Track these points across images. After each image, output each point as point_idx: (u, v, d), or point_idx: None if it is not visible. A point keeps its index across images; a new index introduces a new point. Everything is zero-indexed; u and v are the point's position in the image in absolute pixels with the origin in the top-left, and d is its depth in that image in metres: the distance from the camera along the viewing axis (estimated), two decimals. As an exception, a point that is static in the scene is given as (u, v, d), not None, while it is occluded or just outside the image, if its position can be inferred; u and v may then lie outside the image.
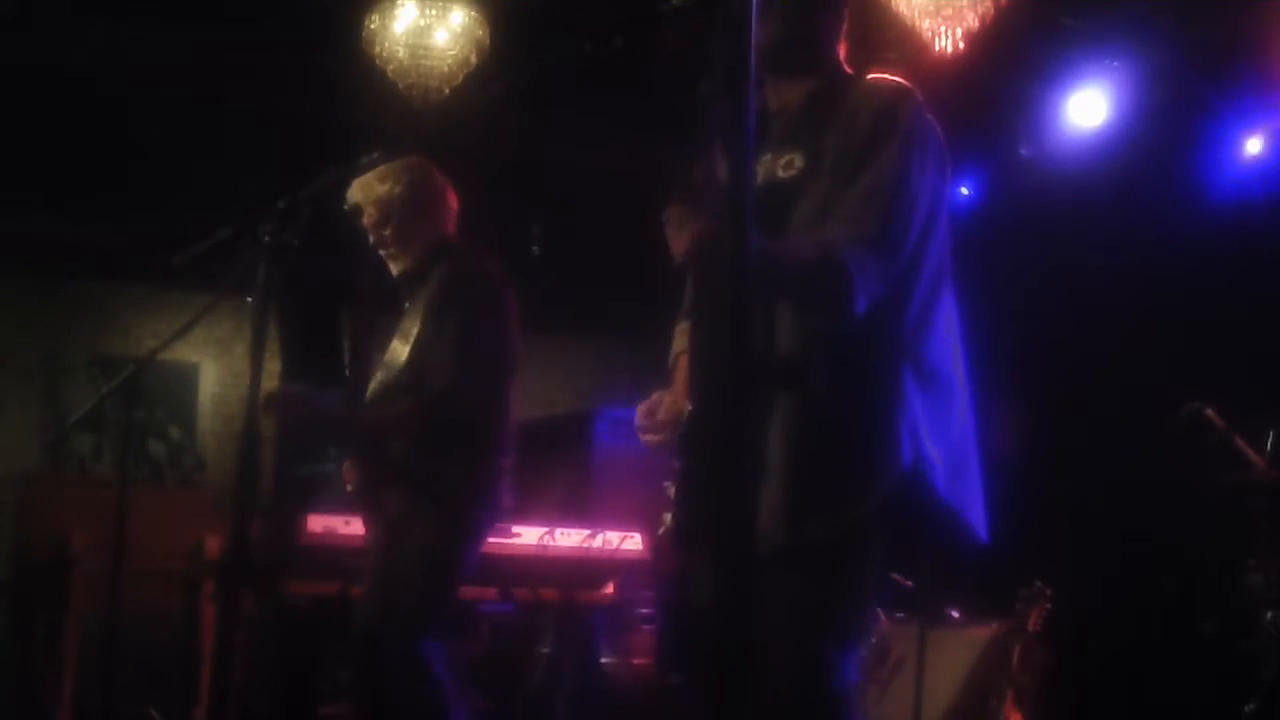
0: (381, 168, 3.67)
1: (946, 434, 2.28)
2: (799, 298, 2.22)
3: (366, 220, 3.75)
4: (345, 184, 3.65)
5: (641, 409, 2.43)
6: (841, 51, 2.47)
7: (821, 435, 2.21)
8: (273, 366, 6.58)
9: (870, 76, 2.40)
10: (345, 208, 3.73)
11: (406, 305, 3.77)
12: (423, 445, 3.61)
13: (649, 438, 2.40)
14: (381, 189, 3.71)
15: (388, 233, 3.74)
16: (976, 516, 2.33)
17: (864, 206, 2.21)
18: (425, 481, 3.58)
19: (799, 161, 2.30)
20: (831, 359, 2.23)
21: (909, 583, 5.01)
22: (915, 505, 2.24)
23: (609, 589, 5.00)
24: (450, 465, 3.59)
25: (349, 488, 3.77)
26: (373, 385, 3.77)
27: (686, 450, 2.31)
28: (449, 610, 3.67)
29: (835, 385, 2.22)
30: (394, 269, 3.80)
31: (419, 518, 3.56)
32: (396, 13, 5.04)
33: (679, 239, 2.21)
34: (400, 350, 3.69)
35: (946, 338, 2.33)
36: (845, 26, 2.48)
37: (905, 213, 2.23)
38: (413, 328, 3.68)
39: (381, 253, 3.79)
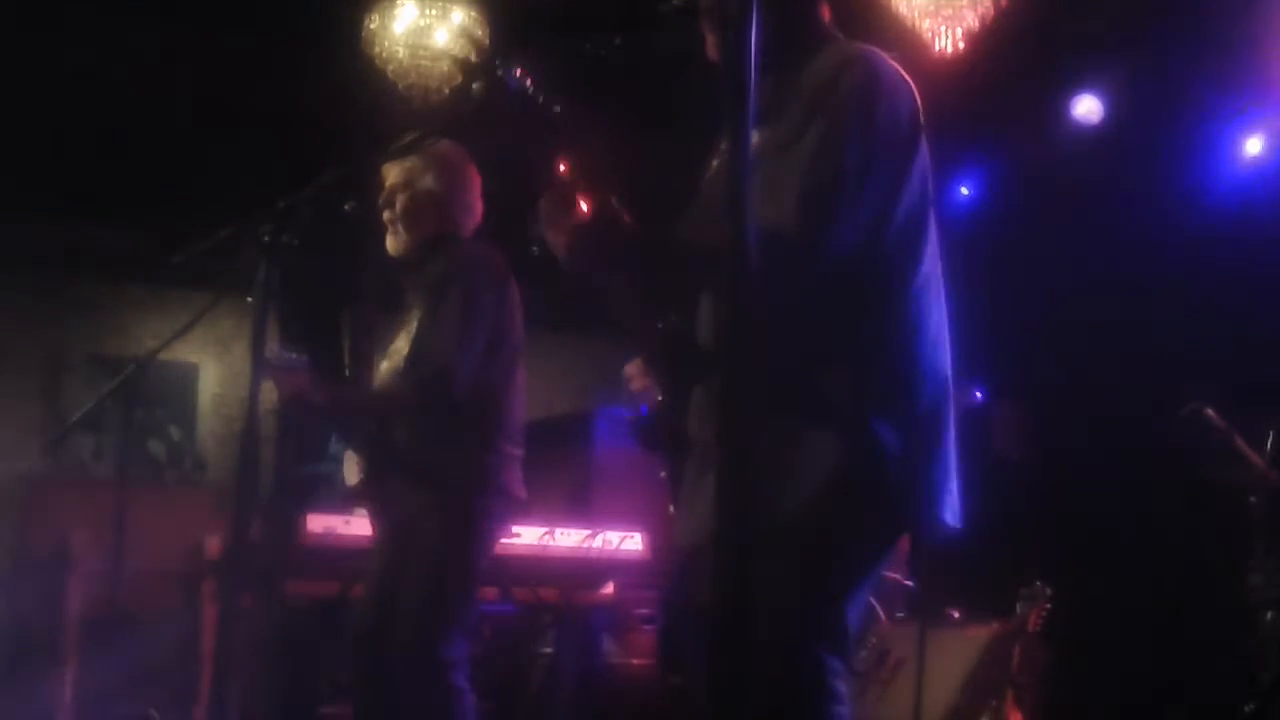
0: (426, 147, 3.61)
1: (907, 415, 2.18)
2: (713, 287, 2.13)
3: (388, 183, 3.70)
4: (345, 184, 3.63)
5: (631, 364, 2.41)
6: (826, 14, 2.39)
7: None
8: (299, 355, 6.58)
9: (833, 46, 2.31)
10: (347, 208, 3.71)
11: (408, 298, 3.75)
12: (426, 434, 3.57)
13: (637, 385, 2.38)
14: (409, 164, 3.66)
15: (399, 206, 3.69)
16: (943, 503, 2.23)
17: (788, 190, 2.12)
18: (429, 472, 3.54)
19: (754, 139, 2.23)
20: (771, 338, 2.15)
21: (909, 583, 5.02)
22: (870, 490, 2.15)
23: (609, 589, 4.99)
24: (454, 454, 3.54)
25: (351, 481, 3.74)
26: (378, 378, 3.75)
27: (652, 444, 2.29)
28: (470, 607, 3.63)
29: (773, 366, 2.15)
30: (391, 245, 3.72)
31: (428, 514, 3.50)
32: (396, 13, 5.04)
33: (556, 238, 2.17)
34: (403, 342, 3.66)
35: (917, 314, 2.23)
36: None
37: (834, 191, 2.12)
38: (413, 319, 3.65)
39: (385, 221, 3.72)
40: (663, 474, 2.32)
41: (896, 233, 2.22)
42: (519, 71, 2.15)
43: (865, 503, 2.17)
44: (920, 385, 2.22)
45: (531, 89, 2.15)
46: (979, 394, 4.55)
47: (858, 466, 2.14)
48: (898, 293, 2.22)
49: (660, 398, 2.28)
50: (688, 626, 2.38)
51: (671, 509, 2.31)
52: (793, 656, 2.14)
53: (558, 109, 2.17)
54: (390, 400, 3.65)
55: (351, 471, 3.77)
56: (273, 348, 3.39)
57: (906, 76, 2.30)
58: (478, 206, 3.78)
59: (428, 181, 3.68)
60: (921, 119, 2.28)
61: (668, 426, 2.25)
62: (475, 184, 3.78)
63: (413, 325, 3.64)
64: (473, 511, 3.54)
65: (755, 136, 2.20)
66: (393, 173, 3.68)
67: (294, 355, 3.54)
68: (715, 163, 2.42)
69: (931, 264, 2.29)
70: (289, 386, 3.51)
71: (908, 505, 2.21)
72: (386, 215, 3.70)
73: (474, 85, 2.15)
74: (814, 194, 2.13)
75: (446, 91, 5.09)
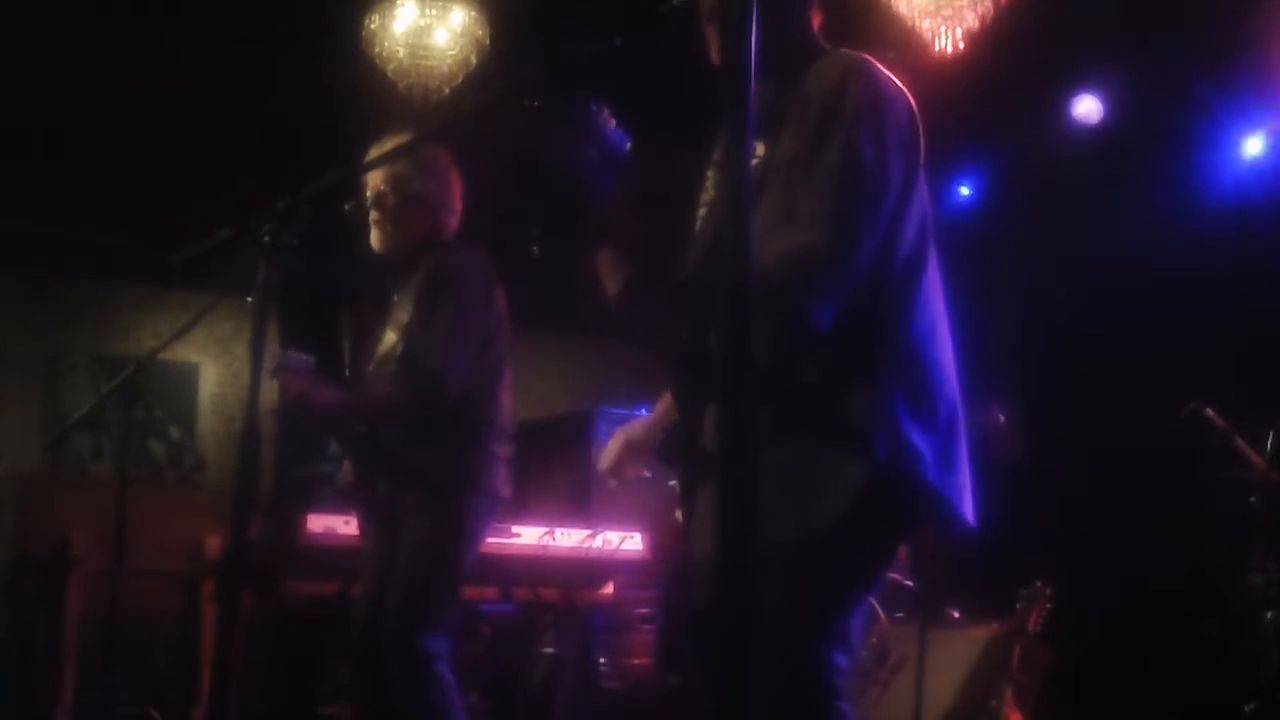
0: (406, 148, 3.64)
1: (933, 421, 2.22)
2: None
3: (373, 186, 3.74)
4: (345, 184, 3.64)
5: (605, 454, 2.48)
6: (816, 22, 2.40)
7: (785, 434, 2.14)
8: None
9: (830, 54, 2.32)
10: (346, 208, 3.72)
11: (396, 297, 3.78)
12: (414, 434, 3.61)
13: (613, 483, 2.49)
14: (400, 167, 3.70)
15: (388, 207, 3.74)
16: (965, 503, 2.27)
17: (811, 211, 2.15)
18: (417, 471, 3.58)
19: (760, 150, 2.24)
20: (796, 355, 2.16)
21: (909, 583, 5.02)
22: (900, 496, 2.19)
23: (609, 589, 5.00)
24: (442, 454, 3.59)
25: (344, 481, 3.77)
26: (366, 377, 3.79)
27: (671, 459, 2.31)
28: (452, 604, 3.66)
29: (799, 382, 2.16)
30: (377, 243, 3.78)
31: (417, 513, 3.56)
32: (396, 13, 5.04)
33: (609, 283, 2.20)
34: (391, 339, 3.70)
35: (928, 320, 2.26)
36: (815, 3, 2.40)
37: (859, 207, 2.15)
38: (403, 316, 3.69)
39: (372, 220, 3.77)
40: (672, 483, 2.34)
41: (909, 240, 2.24)
42: (607, 113, 2.16)
43: (898, 509, 2.22)
44: (940, 389, 2.25)
45: (614, 129, 2.17)
46: (1002, 416, 4.56)
47: (893, 474, 2.17)
48: (913, 299, 2.25)
49: (678, 415, 2.30)
50: (694, 634, 2.40)
51: (678, 514, 2.33)
52: (802, 657, 2.17)
53: (629, 145, 2.19)
54: (388, 404, 3.69)
55: (347, 472, 3.80)
56: (281, 350, 3.43)
57: (900, 83, 2.31)
58: (459, 207, 3.85)
59: (416, 186, 3.73)
60: (920, 126, 2.30)
61: (684, 439, 2.26)
62: (458, 187, 3.85)
63: (400, 321, 3.69)
64: (460, 511, 3.59)
65: (759, 146, 2.23)
66: (380, 175, 3.71)
67: (303, 356, 3.57)
68: (711, 174, 2.43)
69: (935, 269, 2.31)
70: (295, 388, 3.53)
71: (937, 506, 2.25)
72: (375, 215, 3.75)
73: (561, 131, 2.17)
74: (840, 217, 2.14)
75: (446, 91, 5.09)
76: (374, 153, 3.53)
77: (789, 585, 2.12)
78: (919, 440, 2.18)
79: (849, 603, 2.25)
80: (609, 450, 2.63)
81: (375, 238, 3.78)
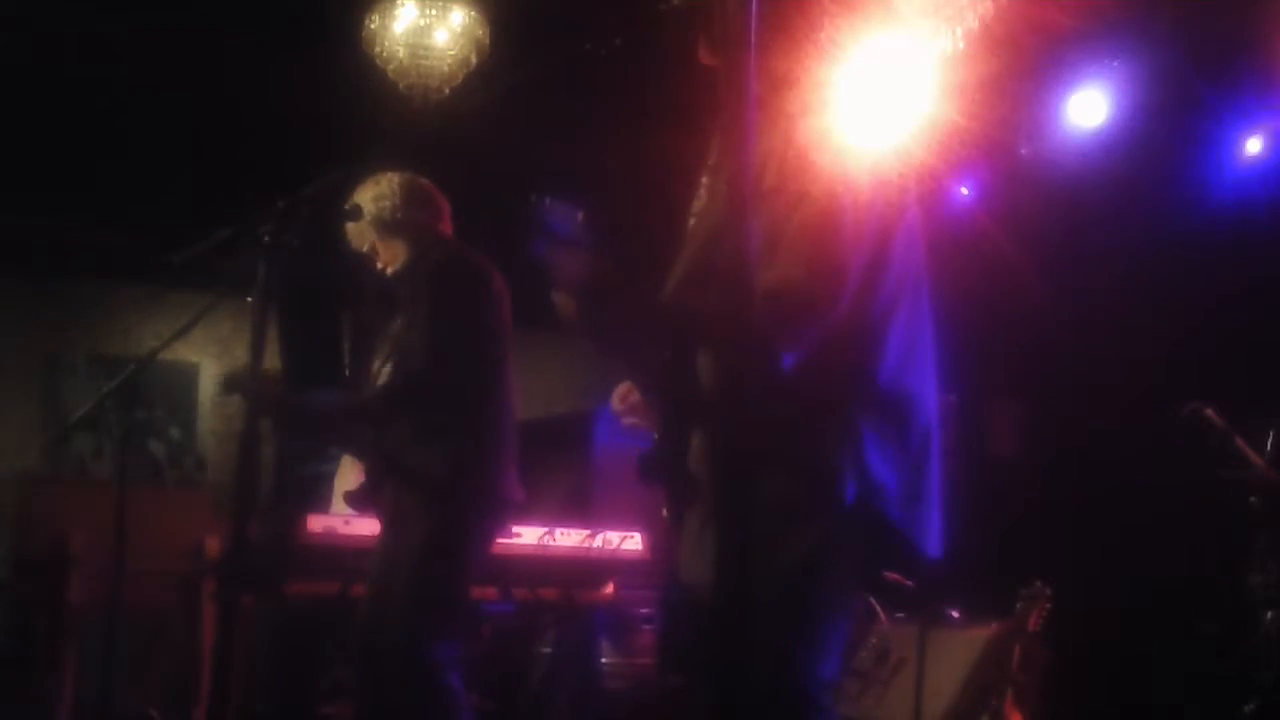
0: (360, 189, 3.69)
1: (903, 456, 2.21)
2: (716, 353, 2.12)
3: (365, 248, 3.82)
4: (344, 185, 3.66)
5: (615, 395, 2.42)
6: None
7: (756, 469, 2.14)
8: (273, 366, 6.58)
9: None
10: (347, 207, 3.73)
11: (400, 304, 3.79)
12: (414, 435, 3.59)
13: (628, 420, 2.40)
14: (372, 203, 3.73)
15: (368, 250, 3.80)
16: (929, 537, 2.27)
17: (793, 248, 2.12)
18: (417, 472, 3.57)
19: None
20: (764, 394, 2.15)
21: (909, 582, 5.02)
22: (865, 532, 2.19)
23: (609, 589, 5.00)
24: (441, 455, 3.57)
25: (347, 487, 3.77)
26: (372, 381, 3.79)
27: (654, 476, 2.31)
28: (460, 609, 3.64)
29: (769, 417, 2.15)
30: (388, 270, 3.83)
31: (416, 515, 3.54)
32: (396, 13, 5.03)
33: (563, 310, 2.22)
34: (391, 346, 3.71)
35: (905, 354, 2.24)
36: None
37: (841, 245, 2.13)
38: (397, 325, 3.70)
39: (370, 260, 3.83)
40: (664, 513, 2.33)
41: (894, 271, 2.22)
42: (551, 205, 2.16)
43: (868, 541, 2.22)
44: (912, 419, 2.25)
45: (562, 217, 2.17)
46: (998, 414, 4.56)
47: (862, 508, 2.17)
48: (890, 328, 2.23)
49: (659, 434, 2.29)
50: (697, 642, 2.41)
51: (664, 512, 2.32)
52: (791, 683, 2.17)
53: (580, 217, 2.19)
54: (364, 407, 3.68)
55: (346, 479, 3.79)
56: (238, 367, 3.45)
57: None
58: (444, 206, 3.85)
59: (390, 207, 3.75)
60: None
61: (670, 462, 2.26)
62: (432, 191, 3.84)
63: (395, 332, 3.69)
64: (460, 512, 3.57)
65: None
66: (359, 232, 3.73)
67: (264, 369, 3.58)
68: (705, 179, 2.42)
69: (923, 291, 2.29)
70: (261, 397, 3.51)
71: (898, 542, 2.25)
72: (370, 252, 3.80)
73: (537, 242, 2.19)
74: (821, 258, 2.12)
75: (446, 91, 5.09)
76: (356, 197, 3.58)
77: (769, 617, 2.07)
78: (885, 475, 2.19)
79: (830, 628, 2.25)
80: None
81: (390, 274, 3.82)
